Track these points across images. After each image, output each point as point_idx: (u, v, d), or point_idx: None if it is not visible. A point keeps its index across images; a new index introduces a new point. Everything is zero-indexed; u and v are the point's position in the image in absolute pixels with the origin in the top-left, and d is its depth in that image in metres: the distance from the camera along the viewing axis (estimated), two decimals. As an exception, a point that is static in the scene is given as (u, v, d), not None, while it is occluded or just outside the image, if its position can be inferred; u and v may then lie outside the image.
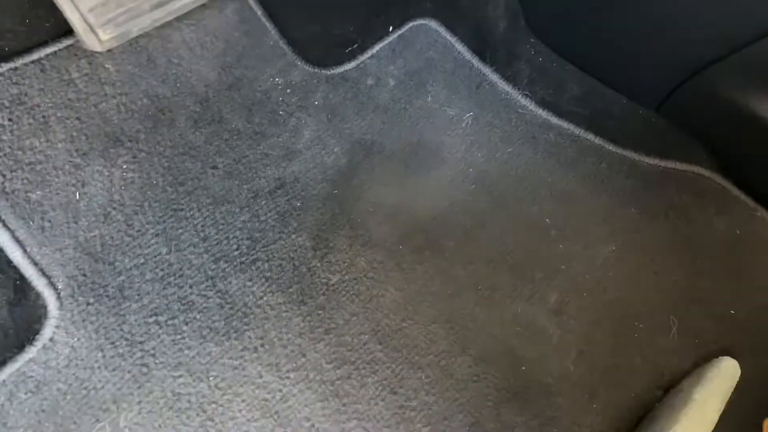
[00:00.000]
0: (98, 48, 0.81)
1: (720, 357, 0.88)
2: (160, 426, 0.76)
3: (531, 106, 1.09)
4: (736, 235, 1.00)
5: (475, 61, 1.12)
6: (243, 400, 0.79)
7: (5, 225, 0.80)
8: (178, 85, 0.95)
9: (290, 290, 0.88)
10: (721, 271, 0.97)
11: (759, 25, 0.86)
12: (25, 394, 0.76)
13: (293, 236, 0.93)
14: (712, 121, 1.03)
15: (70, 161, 0.86)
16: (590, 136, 1.07)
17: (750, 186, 1.04)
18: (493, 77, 1.11)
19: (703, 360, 0.90)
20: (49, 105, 0.86)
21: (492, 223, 0.99)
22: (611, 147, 1.07)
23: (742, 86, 0.94)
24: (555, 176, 1.04)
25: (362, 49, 1.10)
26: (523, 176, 1.04)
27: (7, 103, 0.81)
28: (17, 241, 0.81)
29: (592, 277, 0.95)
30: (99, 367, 0.78)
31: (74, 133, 0.87)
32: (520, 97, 1.10)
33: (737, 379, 0.86)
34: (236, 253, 0.90)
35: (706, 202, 1.03)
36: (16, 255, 0.80)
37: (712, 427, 0.79)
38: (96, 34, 0.78)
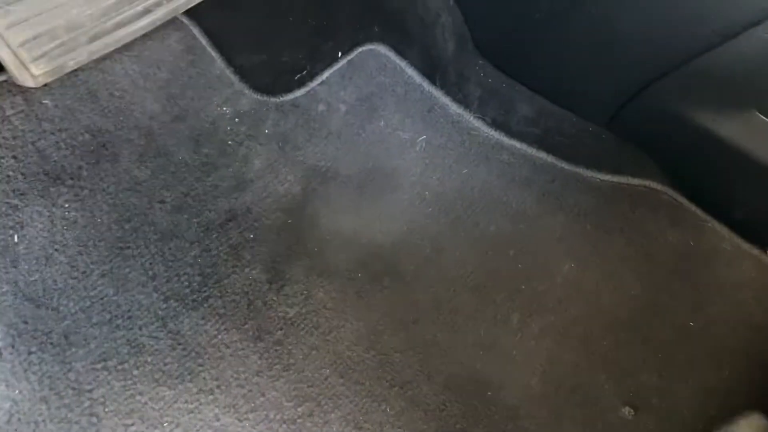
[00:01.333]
0: (31, 84, 0.77)
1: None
2: (111, 480, 0.72)
3: (483, 127, 1.09)
4: (690, 246, 1.02)
5: (426, 85, 1.12)
6: (200, 446, 0.75)
7: (-64, 274, 0.75)
8: (121, 118, 0.92)
9: (245, 327, 0.85)
10: (678, 283, 0.98)
11: (698, 41, 0.88)
12: (-38, 455, 0.70)
13: (247, 270, 0.90)
14: (661, 135, 1.05)
15: (7, 202, 0.81)
16: (542, 155, 1.08)
17: (700, 197, 1.05)
18: (444, 100, 1.11)
19: (667, 373, 0.90)
20: (-18, 144, 0.81)
21: (451, 246, 0.98)
22: (564, 165, 1.07)
23: (686, 100, 0.96)
24: (510, 196, 1.04)
25: (311, 76, 1.09)
26: (478, 197, 1.03)
27: (-65, 144, 0.77)
28: (-50, 290, 0.76)
29: (553, 296, 0.95)
30: (44, 421, 0.73)
31: (10, 173, 0.83)
32: (471, 118, 1.10)
33: None
34: (187, 290, 0.86)
35: (659, 215, 1.04)
36: (-52, 305, 0.75)
37: None
38: (28, 70, 0.74)
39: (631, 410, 0.86)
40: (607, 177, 1.07)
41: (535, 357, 0.89)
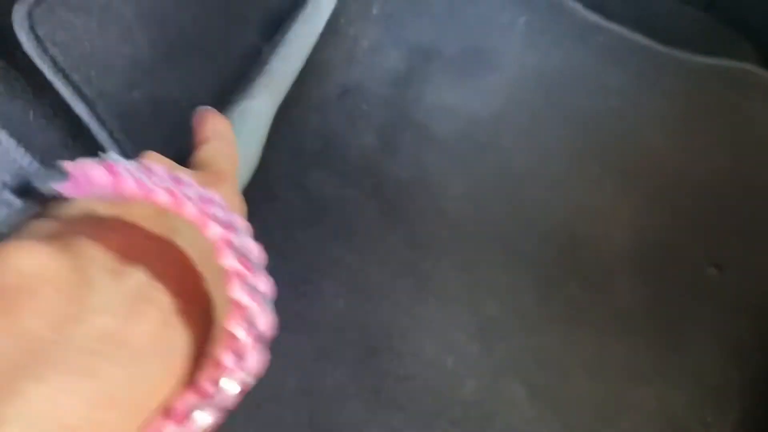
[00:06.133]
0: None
1: None
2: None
3: (580, 9, 1.13)
4: (781, 125, 1.05)
5: (525, -33, 1.15)
6: (330, 278, 0.87)
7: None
8: None
9: (363, 183, 0.95)
10: (765, 157, 1.02)
11: None
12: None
13: (362, 136, 0.99)
14: (758, 16, 1.06)
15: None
16: (638, 37, 1.11)
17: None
18: (542, -17, 1.15)
19: (752, 239, 0.96)
20: None
21: (548, 120, 1.04)
22: (659, 47, 1.10)
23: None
24: (606, 76, 1.08)
25: (415, -41, 1.14)
26: (575, 77, 1.08)
27: None
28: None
29: (646, 163, 1.01)
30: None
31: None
32: (569, 0, 1.13)
33: None
34: (311, 150, 0.96)
35: (751, 95, 1.07)
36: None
37: None
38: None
39: (716, 270, 0.93)
40: (702, 59, 1.09)
41: (628, 216, 0.96)
